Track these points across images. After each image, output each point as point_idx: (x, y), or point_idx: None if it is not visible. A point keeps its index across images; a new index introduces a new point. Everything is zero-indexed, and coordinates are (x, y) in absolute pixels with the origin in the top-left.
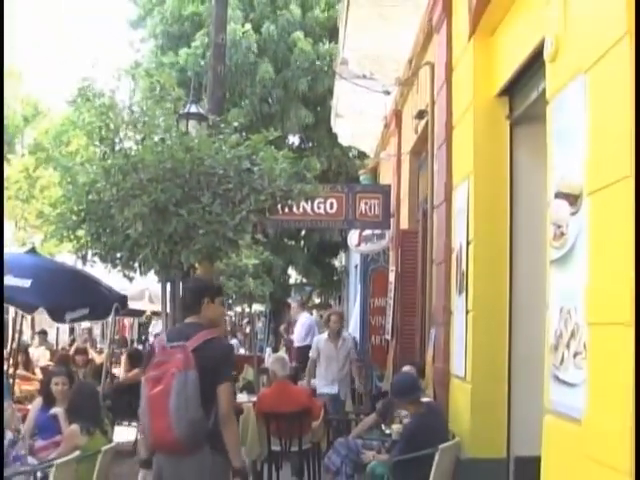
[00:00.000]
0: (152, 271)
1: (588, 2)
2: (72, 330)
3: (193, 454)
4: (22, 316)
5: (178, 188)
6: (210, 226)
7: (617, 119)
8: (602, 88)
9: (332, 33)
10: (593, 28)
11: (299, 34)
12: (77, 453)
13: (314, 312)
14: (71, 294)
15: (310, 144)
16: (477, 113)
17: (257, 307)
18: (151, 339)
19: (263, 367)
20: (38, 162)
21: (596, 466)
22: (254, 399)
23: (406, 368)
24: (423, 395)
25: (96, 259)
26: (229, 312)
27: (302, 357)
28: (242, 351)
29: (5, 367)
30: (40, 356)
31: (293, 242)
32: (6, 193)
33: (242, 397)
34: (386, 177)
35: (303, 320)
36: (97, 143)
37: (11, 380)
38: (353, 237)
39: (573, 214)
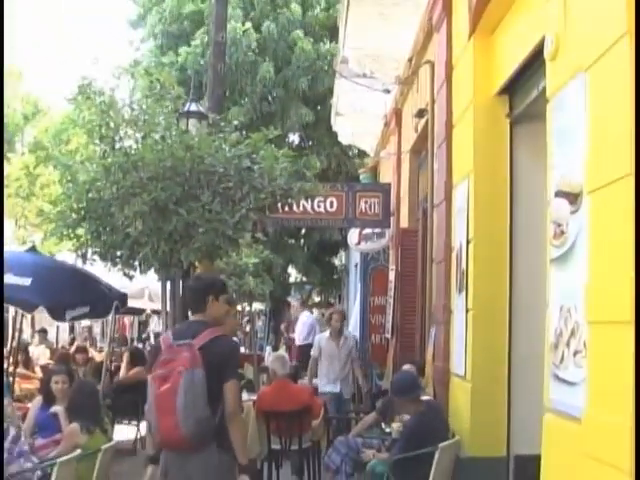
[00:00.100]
0: (152, 269)
1: (588, 1)
2: (72, 328)
3: (200, 452)
4: (22, 314)
5: (178, 186)
6: (210, 224)
7: (617, 117)
8: (602, 87)
9: (332, 32)
10: (593, 27)
11: (299, 33)
12: (77, 452)
13: (315, 311)
14: (71, 292)
15: (310, 143)
16: (477, 112)
17: (257, 306)
18: (152, 337)
19: (263, 366)
20: (38, 160)
21: (596, 464)
22: (254, 398)
23: (406, 367)
24: (423, 393)
25: (96, 257)
26: None
27: (303, 355)
28: (242, 349)
29: (5, 365)
30: (40, 354)
31: (293, 241)
32: (6, 191)
33: (242, 396)
34: (386, 176)
35: (304, 319)
36: (97, 141)
37: (11, 378)
38: (353, 236)
39: (573, 213)
